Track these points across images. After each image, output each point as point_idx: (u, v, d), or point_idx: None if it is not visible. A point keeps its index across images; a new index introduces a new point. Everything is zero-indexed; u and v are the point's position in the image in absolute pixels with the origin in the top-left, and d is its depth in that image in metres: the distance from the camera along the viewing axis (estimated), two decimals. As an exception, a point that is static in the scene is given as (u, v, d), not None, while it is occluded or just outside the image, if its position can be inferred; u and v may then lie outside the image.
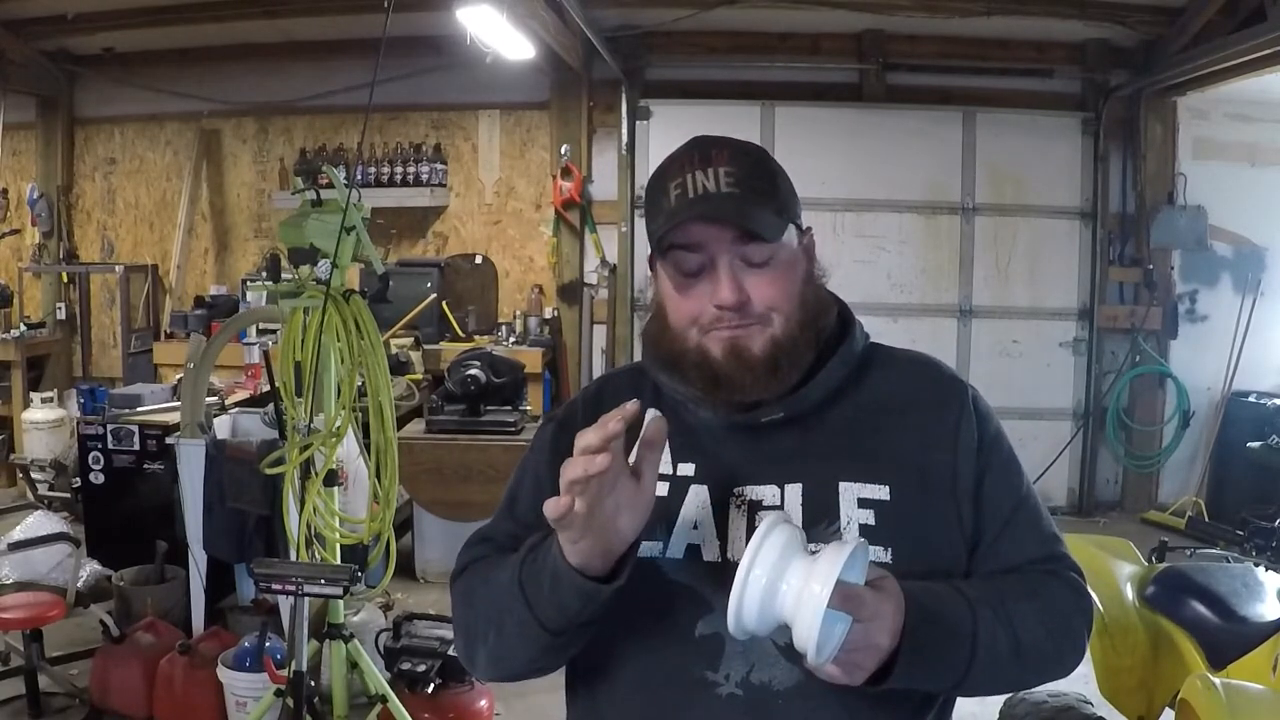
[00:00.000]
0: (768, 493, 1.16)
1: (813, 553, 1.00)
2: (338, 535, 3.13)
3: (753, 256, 1.13)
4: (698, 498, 1.17)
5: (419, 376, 5.54)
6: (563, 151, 6.22)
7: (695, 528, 1.16)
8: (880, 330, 1.27)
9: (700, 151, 1.15)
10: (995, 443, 1.22)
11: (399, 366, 5.28)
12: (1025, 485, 1.24)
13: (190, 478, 3.69)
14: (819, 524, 1.13)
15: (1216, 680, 2.25)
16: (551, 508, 1.00)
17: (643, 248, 6.25)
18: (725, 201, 1.11)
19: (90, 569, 4.17)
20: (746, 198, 1.12)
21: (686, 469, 1.19)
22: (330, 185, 3.04)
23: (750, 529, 1.13)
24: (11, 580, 4.00)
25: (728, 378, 1.14)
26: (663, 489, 1.16)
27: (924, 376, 1.26)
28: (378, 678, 3.05)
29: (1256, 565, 2.76)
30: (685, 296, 1.15)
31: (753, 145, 1.20)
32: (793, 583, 0.98)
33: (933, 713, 1.18)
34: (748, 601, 0.98)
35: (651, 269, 1.21)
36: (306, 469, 3.03)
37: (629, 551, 1.07)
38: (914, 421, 1.20)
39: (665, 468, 1.18)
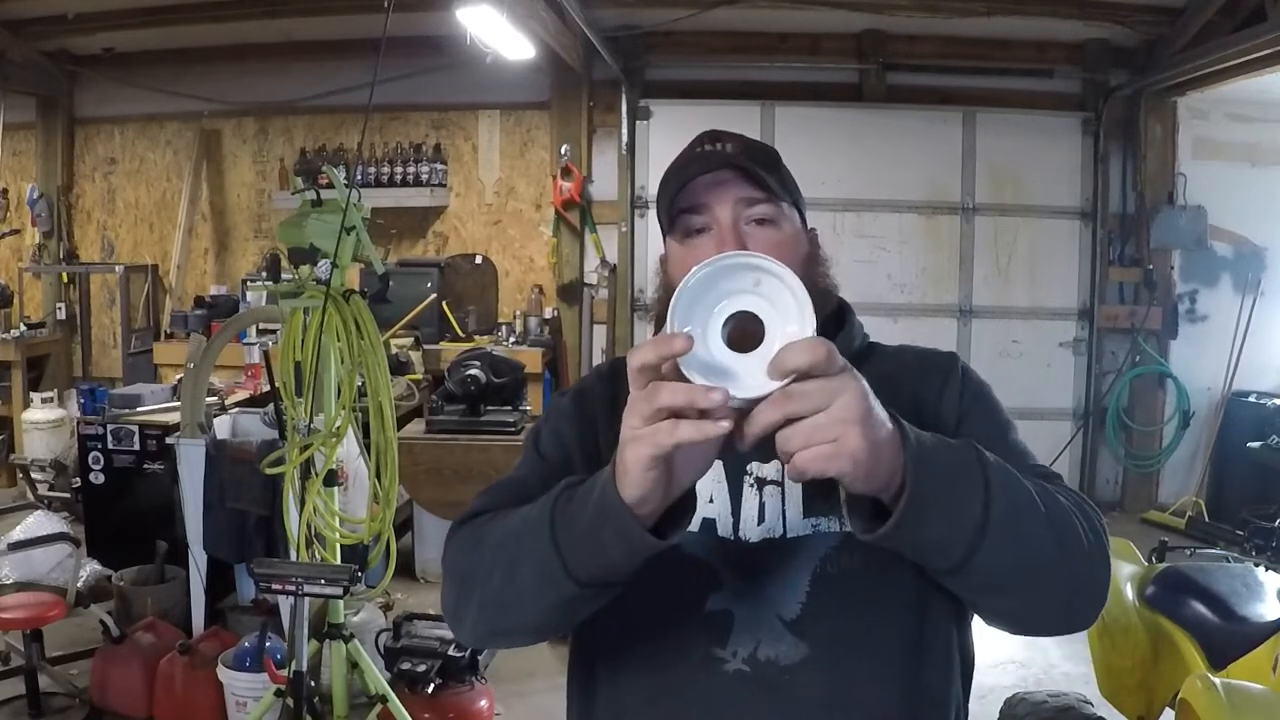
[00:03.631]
0: (771, 469, 1.16)
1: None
2: (338, 535, 3.13)
3: (755, 215, 1.18)
4: (714, 472, 1.17)
5: (419, 376, 5.54)
6: (563, 151, 6.22)
7: (711, 501, 1.16)
8: (880, 330, 1.28)
9: (710, 134, 1.23)
10: (979, 395, 1.22)
11: (399, 366, 5.28)
12: (1013, 429, 1.21)
13: (190, 478, 3.69)
14: (818, 495, 1.14)
15: (1216, 680, 2.25)
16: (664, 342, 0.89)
17: (643, 248, 6.31)
18: (733, 157, 1.18)
19: (90, 569, 4.16)
20: (751, 160, 1.18)
21: None
22: (330, 185, 3.04)
23: (760, 507, 1.15)
24: (11, 580, 4.00)
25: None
26: None
27: (917, 356, 1.28)
28: (378, 678, 3.05)
29: (1256, 565, 2.76)
30: (689, 255, 1.18)
31: (762, 141, 1.27)
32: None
33: (948, 680, 1.16)
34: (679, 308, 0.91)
35: (661, 263, 1.25)
36: (306, 469, 3.03)
37: (682, 513, 0.99)
38: (907, 394, 1.19)
39: None
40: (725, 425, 0.88)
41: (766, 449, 1.13)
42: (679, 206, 1.19)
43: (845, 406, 0.87)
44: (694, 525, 1.12)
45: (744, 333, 0.92)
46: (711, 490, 1.16)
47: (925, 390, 1.21)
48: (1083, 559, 1.03)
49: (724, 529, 1.16)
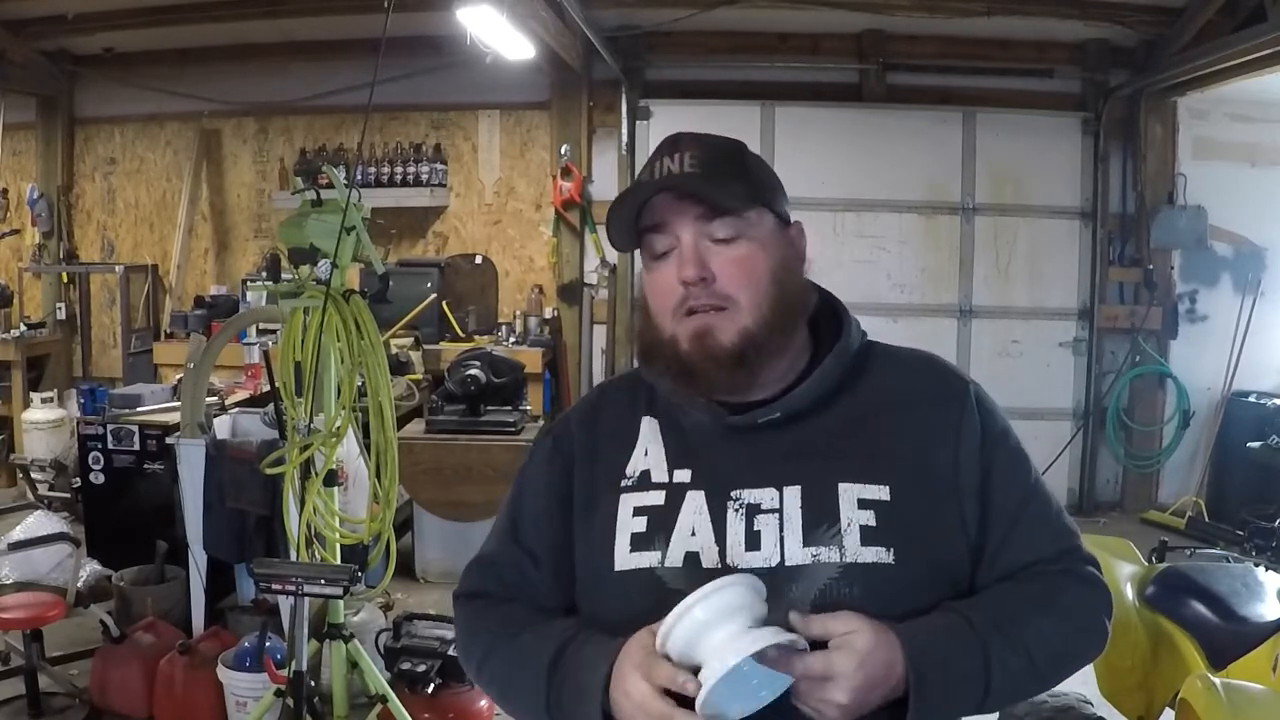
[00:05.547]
0: (765, 495, 1.13)
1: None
2: (338, 535, 3.13)
3: (717, 233, 1.14)
4: (694, 504, 1.14)
5: (419, 376, 5.54)
6: (563, 151, 6.22)
7: (693, 534, 1.13)
8: (880, 330, 1.26)
9: (671, 142, 1.19)
10: (1001, 437, 1.20)
11: (399, 366, 5.28)
12: (1034, 477, 1.22)
13: (190, 478, 3.69)
14: (819, 527, 1.11)
15: (1216, 680, 2.25)
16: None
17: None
18: (685, 178, 1.14)
19: (90, 569, 4.16)
20: (707, 175, 1.14)
21: (683, 475, 1.17)
22: (330, 185, 3.04)
23: (749, 533, 1.12)
24: (11, 580, 4.00)
25: (695, 368, 1.14)
26: (659, 497, 1.16)
27: (925, 372, 1.24)
28: (378, 678, 3.05)
29: (1256, 565, 2.76)
30: (656, 278, 1.17)
31: (727, 139, 1.21)
32: (717, 638, 1.00)
33: None
34: (676, 632, 1.01)
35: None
36: (306, 469, 3.03)
37: None
38: (914, 418, 1.18)
39: (661, 475, 1.18)
40: None
41: (759, 473, 1.15)
42: (643, 224, 1.16)
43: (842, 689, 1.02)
44: (678, 560, 1.12)
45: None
46: (693, 523, 1.13)
47: (940, 421, 1.18)
48: (1081, 662, 1.19)
49: (709, 560, 1.12)
